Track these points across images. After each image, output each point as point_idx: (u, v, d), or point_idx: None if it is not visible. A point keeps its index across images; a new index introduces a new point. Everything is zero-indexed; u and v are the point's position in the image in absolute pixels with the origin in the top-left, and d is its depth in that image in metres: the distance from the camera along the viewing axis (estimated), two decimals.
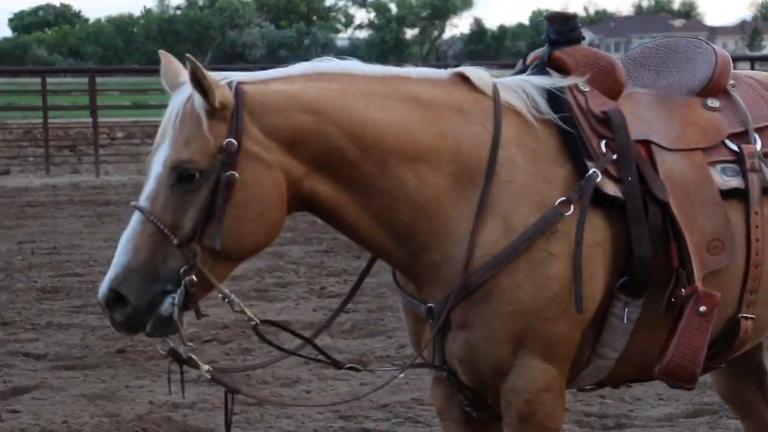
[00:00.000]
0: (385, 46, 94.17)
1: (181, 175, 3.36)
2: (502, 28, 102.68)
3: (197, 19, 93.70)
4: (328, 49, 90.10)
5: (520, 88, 3.70)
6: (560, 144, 3.65)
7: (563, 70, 3.78)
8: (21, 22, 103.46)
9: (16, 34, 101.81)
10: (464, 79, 3.70)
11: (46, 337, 8.43)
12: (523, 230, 3.56)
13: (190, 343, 3.48)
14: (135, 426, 6.28)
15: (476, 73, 3.70)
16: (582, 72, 3.75)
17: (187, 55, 3.39)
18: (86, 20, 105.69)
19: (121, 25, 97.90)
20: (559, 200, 3.57)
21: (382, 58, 72.71)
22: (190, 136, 3.38)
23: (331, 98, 3.52)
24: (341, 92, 3.55)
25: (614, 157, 3.63)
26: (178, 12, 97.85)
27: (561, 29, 3.82)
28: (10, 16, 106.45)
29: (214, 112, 3.37)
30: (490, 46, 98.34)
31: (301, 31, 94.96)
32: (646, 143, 3.71)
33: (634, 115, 3.75)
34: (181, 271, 3.35)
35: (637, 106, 3.81)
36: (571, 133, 3.64)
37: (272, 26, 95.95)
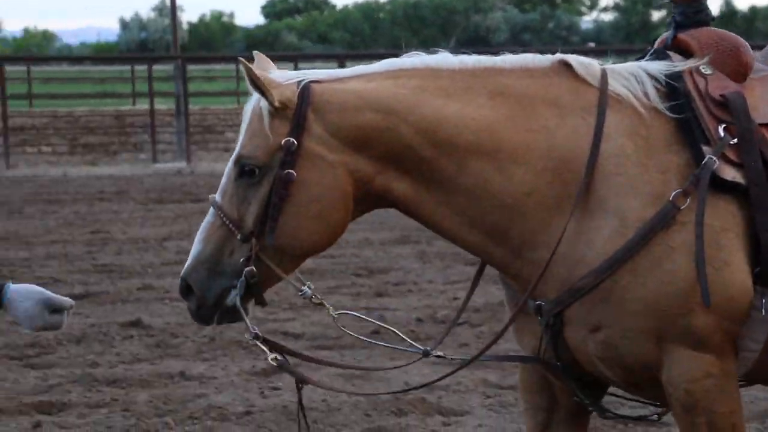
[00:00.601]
0: (630, 29, 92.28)
1: (242, 170, 3.41)
2: (753, 10, 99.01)
3: (442, 4, 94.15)
4: (572, 31, 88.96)
5: (632, 75, 3.54)
6: (675, 131, 3.48)
7: (687, 53, 3.62)
8: (273, 9, 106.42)
9: (268, 21, 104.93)
10: (567, 67, 3.56)
11: (302, 317, 8.71)
12: (639, 226, 3.40)
13: (256, 330, 3.48)
14: (390, 406, 6.43)
15: (580, 62, 3.56)
16: (705, 55, 3.58)
17: (239, 58, 3.44)
18: (334, 7, 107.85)
19: (368, 11, 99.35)
20: (674, 193, 3.40)
21: (627, 41, 71.40)
22: (254, 132, 3.43)
23: (405, 95, 3.47)
24: (418, 89, 3.48)
25: (734, 141, 3.45)
26: None
27: (686, 11, 3.67)
28: (263, 3, 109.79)
29: (277, 110, 3.39)
30: (740, 28, 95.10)
31: (545, 15, 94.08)
32: None
33: (757, 98, 3.56)
34: (241, 261, 3.40)
35: (759, 90, 3.60)
36: (686, 119, 3.46)
37: (516, 10, 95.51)
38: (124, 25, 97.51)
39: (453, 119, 3.44)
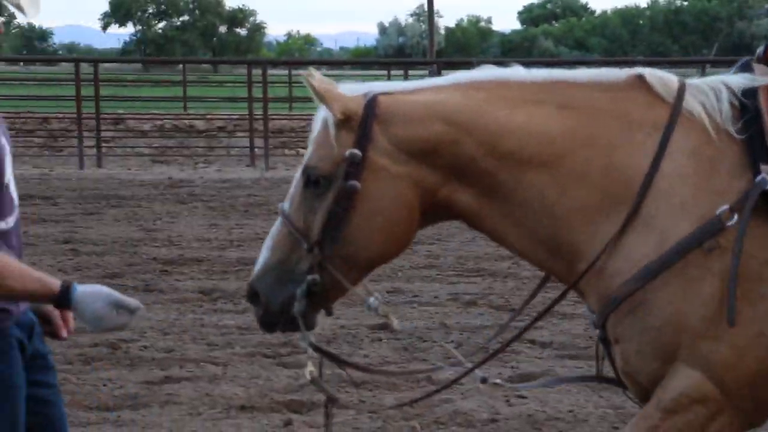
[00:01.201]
0: None
1: (308, 179, 3.40)
2: None
3: (704, 9, 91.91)
4: None
5: (712, 90, 3.39)
6: (742, 152, 3.30)
7: None
8: (529, 14, 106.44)
9: (524, 26, 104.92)
10: (643, 81, 3.42)
11: (551, 325, 8.61)
12: (678, 241, 3.26)
13: (311, 339, 3.49)
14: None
15: (657, 76, 3.43)
16: None
17: (301, 72, 3.41)
18: (593, 12, 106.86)
19: (627, 16, 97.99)
20: (721, 209, 3.23)
21: None
22: (321, 143, 3.41)
23: (470, 107, 3.41)
24: (484, 101, 3.41)
25: None
26: (685, 3, 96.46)
27: None
28: (520, 9, 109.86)
29: (342, 122, 3.36)
30: None
31: None
32: None
33: None
34: (305, 271, 3.38)
35: None
36: (751, 137, 3.28)
37: None
38: (383, 29, 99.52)
39: (517, 132, 3.41)
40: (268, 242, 3.50)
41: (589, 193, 3.40)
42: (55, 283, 3.44)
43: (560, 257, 3.47)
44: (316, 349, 3.60)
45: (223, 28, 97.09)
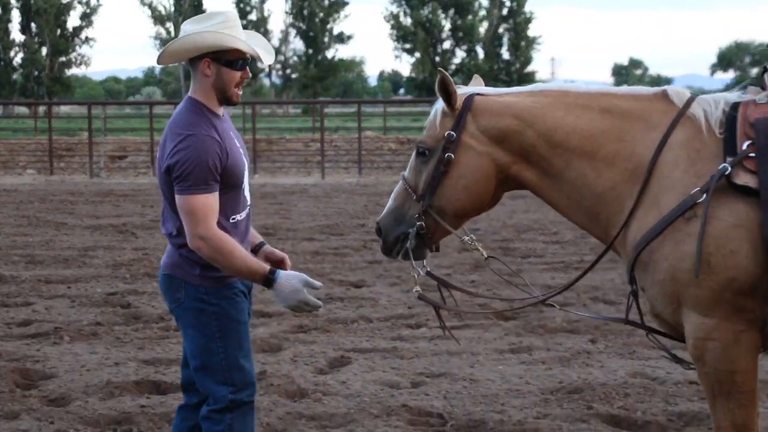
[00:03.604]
0: None
1: (418, 151, 4.79)
2: None
3: None
4: None
5: (714, 101, 4.46)
6: (720, 147, 4.34)
7: (765, 88, 4.45)
8: None
9: None
10: (666, 94, 4.54)
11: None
12: (667, 213, 4.32)
13: (426, 268, 4.92)
14: None
15: (675, 90, 4.55)
16: None
17: (440, 69, 4.75)
18: None
19: None
20: (694, 190, 4.28)
21: None
22: (431, 125, 4.77)
23: (536, 108, 4.65)
24: (548, 104, 4.65)
25: (752, 154, 4.23)
26: None
27: None
28: None
29: (446, 111, 4.71)
30: None
31: None
32: None
33: None
34: (414, 216, 4.74)
35: None
36: (728, 137, 4.32)
37: None
38: None
39: (566, 128, 4.63)
40: (392, 194, 4.87)
41: (617, 176, 4.54)
42: (265, 266, 4.75)
43: (599, 224, 4.65)
44: (428, 273, 4.98)
45: None
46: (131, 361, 8.51)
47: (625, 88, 4.70)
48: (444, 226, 4.76)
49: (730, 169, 4.28)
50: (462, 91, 4.82)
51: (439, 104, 4.78)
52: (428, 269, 4.98)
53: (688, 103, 4.52)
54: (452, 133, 4.71)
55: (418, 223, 4.77)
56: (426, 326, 9.74)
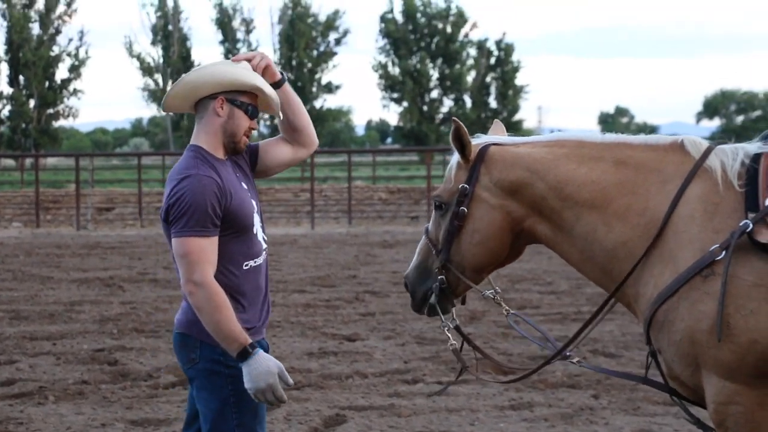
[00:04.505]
0: None
1: (435, 204, 4.63)
2: None
3: None
4: None
5: (732, 152, 4.25)
6: (740, 201, 4.12)
7: None
8: None
9: None
10: (682, 145, 4.33)
11: None
12: (683, 271, 4.10)
13: (456, 322, 4.73)
14: None
15: (691, 140, 4.34)
16: None
17: (454, 118, 4.55)
18: None
19: None
20: (713, 247, 4.06)
21: None
22: (446, 178, 4.64)
23: (548, 159, 4.49)
24: (561, 156, 4.49)
25: None
26: None
27: None
28: None
29: (461, 163, 4.56)
30: None
31: None
32: None
33: None
34: (435, 270, 4.59)
35: None
36: (749, 191, 4.10)
37: None
38: None
39: (578, 181, 4.44)
40: (417, 249, 4.72)
41: (629, 230, 4.33)
42: (247, 337, 4.38)
43: (612, 280, 4.42)
44: (456, 328, 4.80)
45: None
46: (119, 421, 8.23)
47: (641, 138, 4.50)
48: (464, 281, 4.61)
49: (752, 225, 4.06)
50: (477, 141, 4.65)
51: (456, 156, 4.63)
52: (457, 323, 4.83)
53: (706, 154, 4.31)
54: (466, 186, 4.57)
55: (439, 278, 4.63)
56: (423, 381, 9.51)
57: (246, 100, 4.56)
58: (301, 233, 25.86)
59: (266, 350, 4.60)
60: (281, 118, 4.78)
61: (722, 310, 4.02)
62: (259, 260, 4.62)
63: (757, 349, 4.03)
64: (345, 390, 9.26)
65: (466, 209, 4.54)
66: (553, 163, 4.50)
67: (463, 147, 4.55)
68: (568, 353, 4.78)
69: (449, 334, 4.79)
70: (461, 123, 4.50)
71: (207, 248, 4.36)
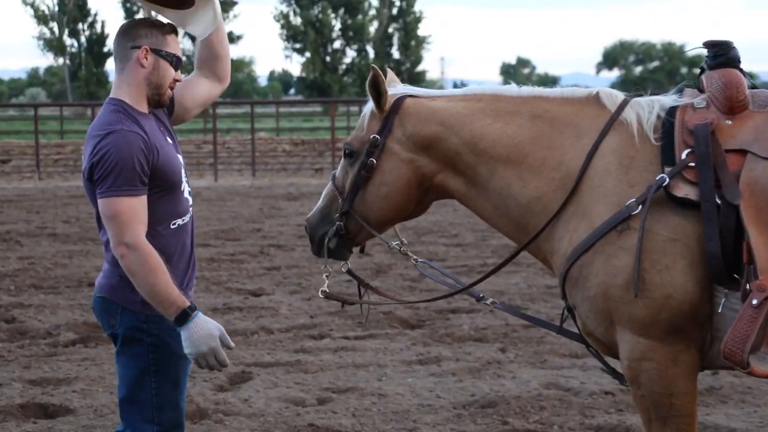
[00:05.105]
0: None
1: (344, 152, 4.51)
2: None
3: None
4: None
5: (649, 105, 4.18)
6: (656, 154, 4.06)
7: (702, 91, 4.20)
8: None
9: None
10: (598, 97, 4.26)
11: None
12: (598, 226, 4.05)
13: (349, 265, 4.67)
14: None
15: (607, 93, 4.27)
16: (709, 92, 4.15)
17: (372, 65, 4.42)
18: None
19: None
20: (630, 200, 4.00)
21: None
22: (358, 126, 4.52)
23: (463, 114, 4.39)
24: (477, 110, 4.39)
25: (692, 164, 3.97)
26: None
27: (711, 55, 4.23)
28: None
29: (375, 113, 4.44)
30: None
31: None
32: (743, 152, 3.99)
33: (745, 128, 4.04)
34: (337, 216, 4.49)
35: (752, 122, 4.08)
36: (664, 144, 4.05)
37: None
38: None
39: (492, 135, 4.35)
40: (323, 193, 4.59)
41: (544, 185, 4.24)
42: (185, 300, 4.18)
43: (526, 234, 4.33)
44: (349, 272, 4.71)
45: None
46: (16, 381, 7.99)
47: (557, 91, 4.40)
48: (368, 230, 4.50)
49: (668, 179, 3.99)
50: (394, 91, 4.51)
51: (370, 104, 4.48)
52: (349, 267, 4.72)
53: (621, 106, 4.24)
54: (377, 137, 4.44)
55: (337, 223, 4.51)
56: (330, 337, 9.41)
57: (171, 50, 4.36)
58: (204, 186, 25.52)
59: None
60: (206, 37, 4.58)
61: (639, 265, 3.95)
62: (186, 218, 4.46)
63: (671, 305, 3.98)
64: (251, 346, 9.13)
65: (375, 161, 4.43)
66: (468, 118, 4.39)
67: (379, 96, 4.43)
68: (482, 294, 4.76)
69: (326, 278, 4.67)
70: (380, 71, 4.37)
71: (137, 208, 4.16)
